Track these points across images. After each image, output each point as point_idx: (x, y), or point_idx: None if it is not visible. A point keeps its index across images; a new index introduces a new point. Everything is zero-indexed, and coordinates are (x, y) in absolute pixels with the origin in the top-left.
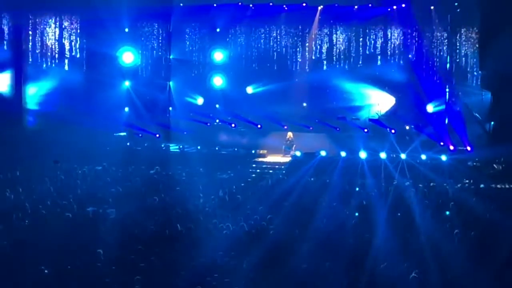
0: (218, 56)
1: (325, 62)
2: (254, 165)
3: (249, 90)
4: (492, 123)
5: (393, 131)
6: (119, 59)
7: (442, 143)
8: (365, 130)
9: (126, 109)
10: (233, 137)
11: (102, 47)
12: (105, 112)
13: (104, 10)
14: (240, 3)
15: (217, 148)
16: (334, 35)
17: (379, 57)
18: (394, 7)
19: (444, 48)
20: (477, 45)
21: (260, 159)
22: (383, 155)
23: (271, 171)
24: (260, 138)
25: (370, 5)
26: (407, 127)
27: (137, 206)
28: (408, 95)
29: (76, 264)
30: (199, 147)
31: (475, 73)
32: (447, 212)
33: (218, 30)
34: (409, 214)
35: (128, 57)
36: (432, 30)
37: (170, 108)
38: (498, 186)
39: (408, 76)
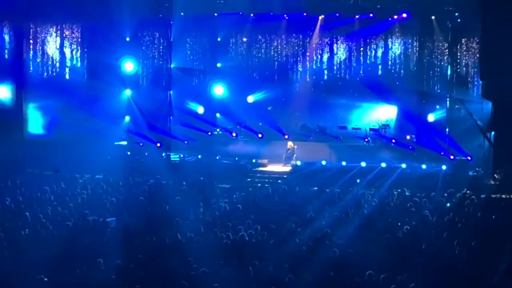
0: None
1: (326, 72)
2: (254, 175)
3: (250, 99)
4: (493, 132)
5: (393, 141)
6: (120, 68)
7: (442, 153)
8: (366, 140)
9: (127, 118)
10: (234, 146)
11: (103, 56)
12: (105, 121)
13: (105, 19)
14: (241, 13)
15: (217, 157)
16: (335, 45)
17: (380, 66)
18: (395, 17)
19: (445, 57)
20: (477, 55)
21: (261, 169)
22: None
23: (272, 181)
24: (261, 147)
25: (371, 15)
26: (408, 137)
27: (137, 215)
28: (409, 105)
29: (76, 273)
30: (199, 156)
31: (475, 82)
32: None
33: (219, 39)
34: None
35: (129, 66)
36: (433, 40)
37: (171, 117)
38: (499, 196)
39: (409, 86)
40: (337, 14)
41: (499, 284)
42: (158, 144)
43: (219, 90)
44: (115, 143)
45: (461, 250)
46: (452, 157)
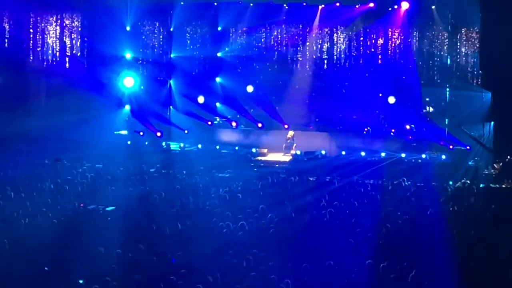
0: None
1: (325, 61)
2: (254, 164)
3: (250, 89)
4: (493, 123)
5: (393, 130)
6: (120, 57)
7: (441, 143)
8: (366, 129)
9: (127, 107)
10: (234, 135)
11: (103, 45)
12: (106, 110)
13: (105, 9)
14: (240, 2)
15: (217, 147)
16: (335, 35)
17: (379, 56)
18: (395, 6)
19: (445, 47)
20: (477, 45)
21: (261, 158)
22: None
23: (271, 170)
24: (261, 137)
25: (371, 4)
26: (408, 127)
27: (137, 205)
28: (409, 95)
29: (75, 262)
30: (199, 146)
31: (475, 72)
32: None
33: (219, 28)
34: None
35: (129, 55)
36: (432, 29)
37: (171, 107)
38: (498, 185)
39: (409, 76)
40: (337, 4)
41: (498, 274)
42: (159, 134)
43: (218, 79)
44: (115, 132)
45: (460, 239)
46: (451, 147)
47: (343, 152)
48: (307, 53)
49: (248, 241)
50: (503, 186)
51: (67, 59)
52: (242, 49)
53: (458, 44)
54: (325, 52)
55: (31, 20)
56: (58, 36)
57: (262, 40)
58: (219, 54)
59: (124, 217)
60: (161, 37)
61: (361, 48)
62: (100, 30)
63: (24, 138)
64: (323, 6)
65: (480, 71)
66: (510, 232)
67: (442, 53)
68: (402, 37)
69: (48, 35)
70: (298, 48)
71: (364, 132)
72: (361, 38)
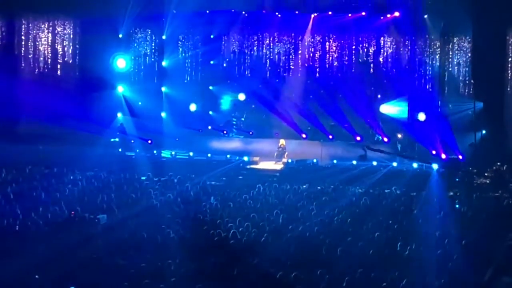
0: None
1: (317, 70)
2: (245, 172)
3: (241, 97)
4: (484, 131)
5: (385, 139)
6: (113, 65)
7: (434, 152)
8: (358, 138)
9: (119, 114)
10: (225, 143)
11: (95, 52)
12: (97, 117)
13: (98, 16)
14: (233, 10)
15: (209, 155)
16: (327, 43)
17: (371, 65)
18: (388, 15)
19: (437, 57)
20: (469, 54)
21: (252, 166)
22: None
23: (263, 178)
24: (252, 145)
25: (363, 13)
26: (399, 135)
27: (128, 212)
28: (400, 103)
29: (65, 269)
30: (191, 154)
31: (467, 81)
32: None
33: (212, 36)
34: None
35: (121, 63)
36: (425, 38)
37: (163, 114)
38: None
39: (401, 85)
40: (329, 12)
41: (489, 282)
42: (149, 141)
43: (210, 87)
44: (111, 139)
45: (451, 248)
46: (443, 156)
47: (335, 161)
48: (299, 61)
49: (240, 249)
50: (495, 194)
51: (58, 66)
52: (235, 57)
53: (450, 53)
54: (317, 60)
55: (23, 27)
56: (50, 43)
57: (254, 48)
58: (211, 62)
59: (114, 225)
60: (153, 44)
61: (353, 56)
62: (92, 37)
63: (16, 145)
64: (315, 14)
65: (472, 81)
66: (501, 241)
67: (434, 62)
68: (394, 46)
69: (40, 42)
70: (290, 56)
71: (356, 141)
72: (353, 47)
